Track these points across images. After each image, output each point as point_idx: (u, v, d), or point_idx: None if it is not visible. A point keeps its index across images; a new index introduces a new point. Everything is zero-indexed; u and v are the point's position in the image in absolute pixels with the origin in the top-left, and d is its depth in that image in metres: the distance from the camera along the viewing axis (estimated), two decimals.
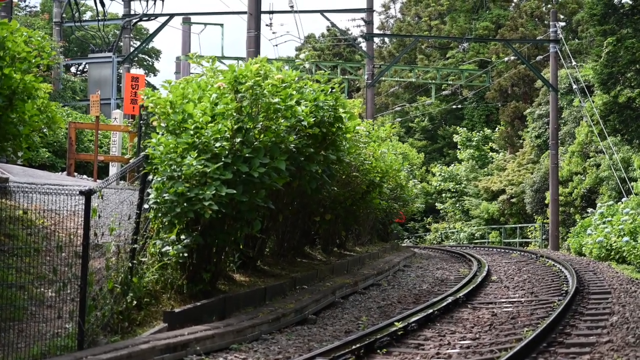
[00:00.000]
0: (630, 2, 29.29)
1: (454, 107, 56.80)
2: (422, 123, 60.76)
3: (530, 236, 41.39)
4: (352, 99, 25.50)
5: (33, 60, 9.39)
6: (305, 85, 12.26)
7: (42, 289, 7.98)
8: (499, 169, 48.13)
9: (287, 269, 13.70)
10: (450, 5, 62.31)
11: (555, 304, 12.20)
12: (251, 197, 9.94)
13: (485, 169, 51.16)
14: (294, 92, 11.33)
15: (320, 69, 36.33)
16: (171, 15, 34.70)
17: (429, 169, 54.14)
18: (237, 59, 32.57)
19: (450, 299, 12.68)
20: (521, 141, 48.75)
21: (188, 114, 10.20)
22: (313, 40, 70.52)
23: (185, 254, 9.69)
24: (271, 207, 10.48)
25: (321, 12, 34.54)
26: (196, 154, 9.61)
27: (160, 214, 9.80)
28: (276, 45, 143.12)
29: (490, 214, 45.58)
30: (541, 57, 42.97)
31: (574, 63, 35.40)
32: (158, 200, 9.65)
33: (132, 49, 36.95)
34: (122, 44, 37.19)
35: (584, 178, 34.98)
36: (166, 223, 9.84)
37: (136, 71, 46.03)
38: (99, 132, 20.44)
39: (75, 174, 19.01)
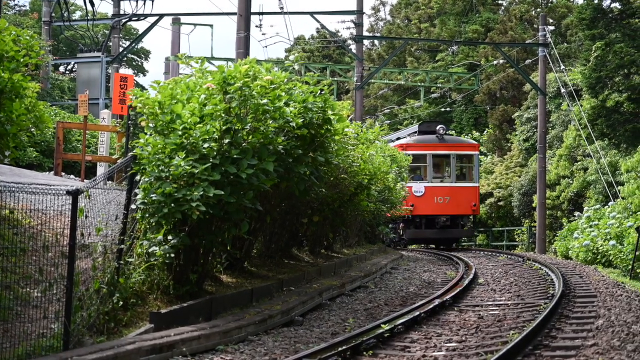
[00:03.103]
0: (619, 7, 29.44)
1: (443, 109, 56.92)
2: (411, 125, 60.89)
3: (517, 239, 41.51)
4: (341, 100, 25.51)
5: (21, 59, 9.34)
6: (294, 86, 12.23)
7: (28, 289, 7.94)
8: (487, 172, 48.26)
9: (274, 271, 13.69)
10: (440, 8, 62.45)
11: (541, 307, 12.23)
12: (239, 198, 9.92)
13: None
14: (283, 94, 11.30)
15: (310, 71, 36.34)
16: (161, 16, 34.67)
17: None
18: (227, 59, 32.54)
19: (437, 302, 12.70)
20: (509, 144, 48.92)
21: (176, 115, 10.17)
22: (303, 42, 70.60)
23: (172, 255, 9.65)
24: (259, 208, 10.47)
25: (311, 13, 34.64)
26: (184, 155, 9.59)
27: (147, 215, 9.77)
28: (266, 47, 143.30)
29: (477, 216, 45.66)
30: (530, 60, 43.16)
31: (562, 67, 35.54)
32: (145, 201, 9.62)
33: (121, 49, 36.84)
34: (111, 43, 37.13)
35: (571, 182, 35.12)
36: (153, 223, 9.81)
37: (125, 71, 45.78)
38: (87, 132, 20.38)
39: (63, 173, 18.93)
